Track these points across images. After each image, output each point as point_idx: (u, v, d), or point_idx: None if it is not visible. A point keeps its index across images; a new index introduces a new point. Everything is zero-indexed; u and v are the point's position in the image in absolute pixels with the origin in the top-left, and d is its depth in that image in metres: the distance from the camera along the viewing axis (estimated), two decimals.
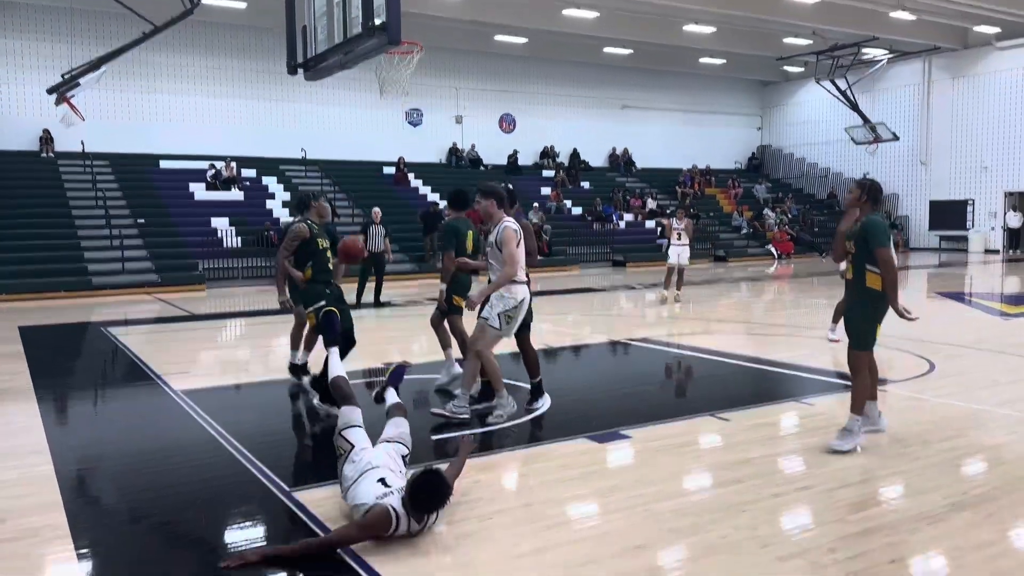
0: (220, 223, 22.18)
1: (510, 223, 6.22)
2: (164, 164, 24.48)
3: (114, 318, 13.99)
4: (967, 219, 30.03)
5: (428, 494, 3.95)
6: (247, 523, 4.46)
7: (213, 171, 24.07)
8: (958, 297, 15.51)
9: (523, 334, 6.71)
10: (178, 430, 6.42)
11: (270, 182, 25.16)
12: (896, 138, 29.92)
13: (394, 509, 3.93)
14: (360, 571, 3.71)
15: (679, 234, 14.91)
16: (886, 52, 29.68)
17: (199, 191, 23.65)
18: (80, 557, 3.93)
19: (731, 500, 4.54)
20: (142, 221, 21.44)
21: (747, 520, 4.24)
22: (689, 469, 5.18)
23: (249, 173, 25.11)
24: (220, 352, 11.06)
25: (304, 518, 4.37)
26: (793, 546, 3.91)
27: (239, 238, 21.74)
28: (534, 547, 3.94)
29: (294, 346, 8.03)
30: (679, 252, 14.80)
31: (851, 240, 5.41)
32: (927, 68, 30.86)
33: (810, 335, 10.88)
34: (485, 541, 4.06)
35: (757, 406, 6.82)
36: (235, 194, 23.97)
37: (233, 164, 24.58)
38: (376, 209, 16.03)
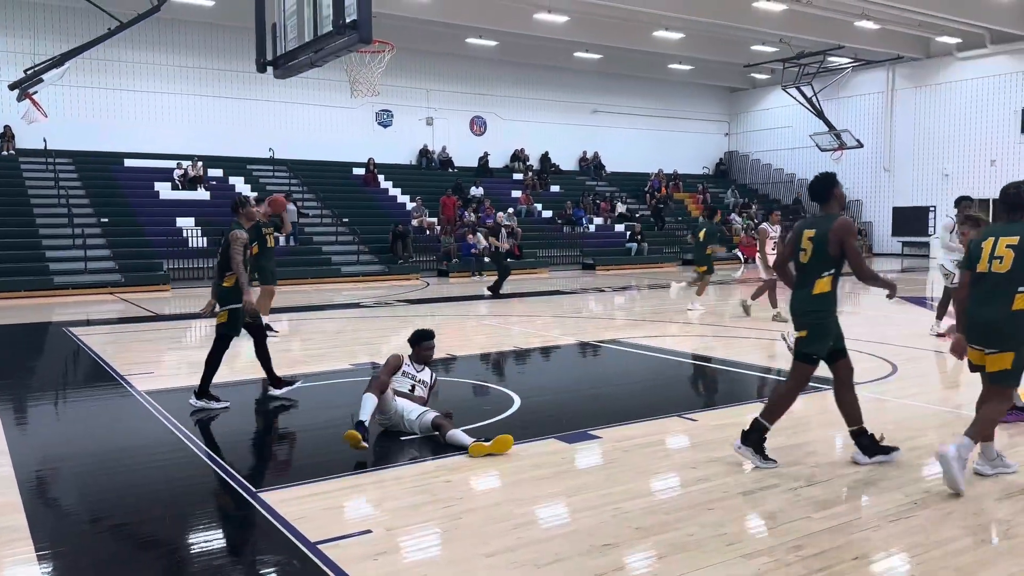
0: (186, 223, 21.89)
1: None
2: (129, 163, 24.10)
3: (76, 318, 13.73)
4: (929, 225, 30.63)
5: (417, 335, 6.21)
6: (212, 524, 4.41)
7: (181, 171, 23.74)
8: (920, 302, 15.79)
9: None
10: (142, 431, 6.32)
11: (237, 182, 24.87)
12: (860, 145, 30.46)
13: (402, 355, 6.07)
14: (330, 573, 3.68)
15: (774, 244, 12.76)
16: (851, 60, 30.21)
17: (164, 190, 23.32)
18: (40, 559, 3.85)
19: (698, 499, 4.59)
20: (106, 220, 21.08)
21: (714, 518, 4.28)
22: (657, 469, 5.22)
23: (216, 173, 24.81)
24: (185, 353, 10.90)
25: (270, 518, 4.33)
26: (759, 544, 3.96)
27: (205, 238, 21.46)
28: (504, 546, 3.94)
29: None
30: None
31: None
32: (891, 77, 31.46)
33: (776, 337, 11.01)
34: (455, 540, 4.05)
35: (724, 407, 6.90)
36: (201, 194, 23.67)
37: (199, 163, 24.28)
38: (501, 214, 16.83)
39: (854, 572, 3.65)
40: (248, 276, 7.30)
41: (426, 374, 6.29)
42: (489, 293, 16.96)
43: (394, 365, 6.15)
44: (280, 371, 8.82)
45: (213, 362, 6.92)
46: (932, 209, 30.49)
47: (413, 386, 6.13)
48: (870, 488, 4.78)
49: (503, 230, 17.01)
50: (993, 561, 3.76)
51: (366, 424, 5.51)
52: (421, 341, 6.35)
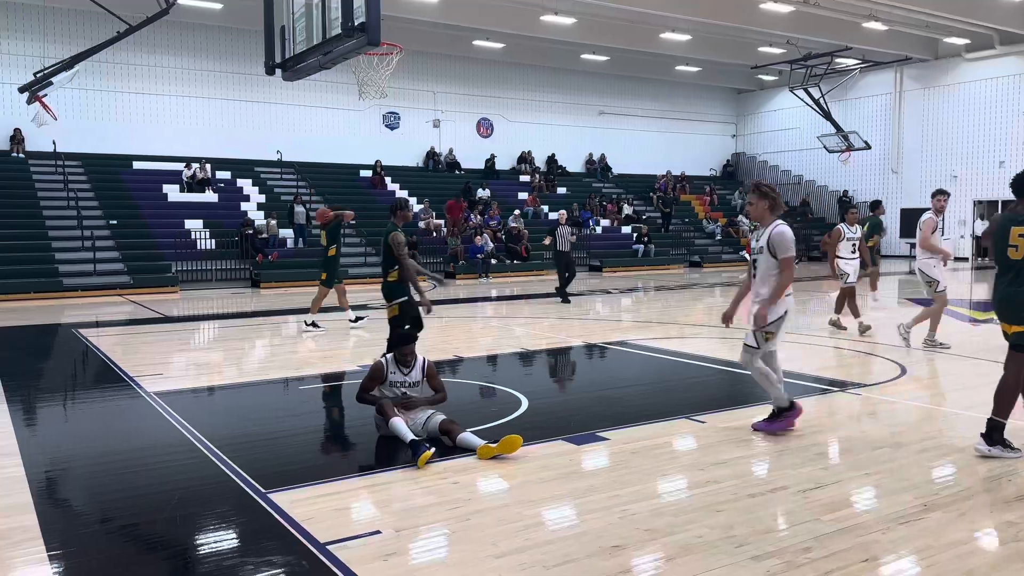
0: (194, 225, 21.98)
1: (784, 226, 5.79)
2: (137, 165, 24.21)
3: (85, 320, 13.79)
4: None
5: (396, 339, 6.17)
6: (221, 524, 4.42)
7: (190, 172, 23.84)
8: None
9: None
10: (151, 432, 6.35)
11: (245, 184, 24.97)
12: (868, 147, 30.36)
13: (383, 362, 6.05)
14: (339, 574, 3.68)
15: (854, 245, 11.56)
16: (859, 62, 30.13)
17: (173, 192, 23.42)
18: (52, 559, 3.87)
19: (707, 500, 4.58)
20: (114, 222, 21.19)
21: (723, 520, 4.27)
22: (665, 470, 5.21)
23: (224, 175, 24.90)
24: (194, 354, 10.95)
25: (279, 519, 4.34)
26: (768, 546, 3.95)
27: (213, 240, 21.54)
28: (512, 547, 3.94)
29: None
30: (855, 267, 11.51)
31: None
32: (899, 78, 31.37)
33: (783, 339, 10.98)
34: (463, 541, 4.06)
35: (732, 408, 6.88)
36: (209, 196, 23.76)
37: (207, 166, 24.37)
38: (563, 211, 16.75)
39: (864, 574, 3.63)
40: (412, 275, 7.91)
41: (415, 374, 6.10)
42: (560, 299, 15.90)
43: (378, 376, 6.04)
44: (287, 372, 8.86)
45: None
46: None
47: (404, 393, 5.99)
48: (880, 490, 4.76)
49: (564, 228, 16.00)
50: (1003, 564, 3.74)
51: (417, 439, 5.44)
52: (398, 345, 6.14)
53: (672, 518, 4.32)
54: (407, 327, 7.33)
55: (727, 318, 6.20)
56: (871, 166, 32.25)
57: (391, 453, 5.66)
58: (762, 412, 6.81)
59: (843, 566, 3.70)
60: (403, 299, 7.69)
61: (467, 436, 5.56)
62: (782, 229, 5.76)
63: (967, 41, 27.91)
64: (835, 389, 7.58)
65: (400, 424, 5.60)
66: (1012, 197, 5.33)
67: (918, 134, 30.90)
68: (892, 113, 31.72)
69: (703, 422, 6.36)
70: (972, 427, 6.31)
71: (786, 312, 5.81)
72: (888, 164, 31.96)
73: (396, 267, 7.71)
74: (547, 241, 16.70)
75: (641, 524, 4.23)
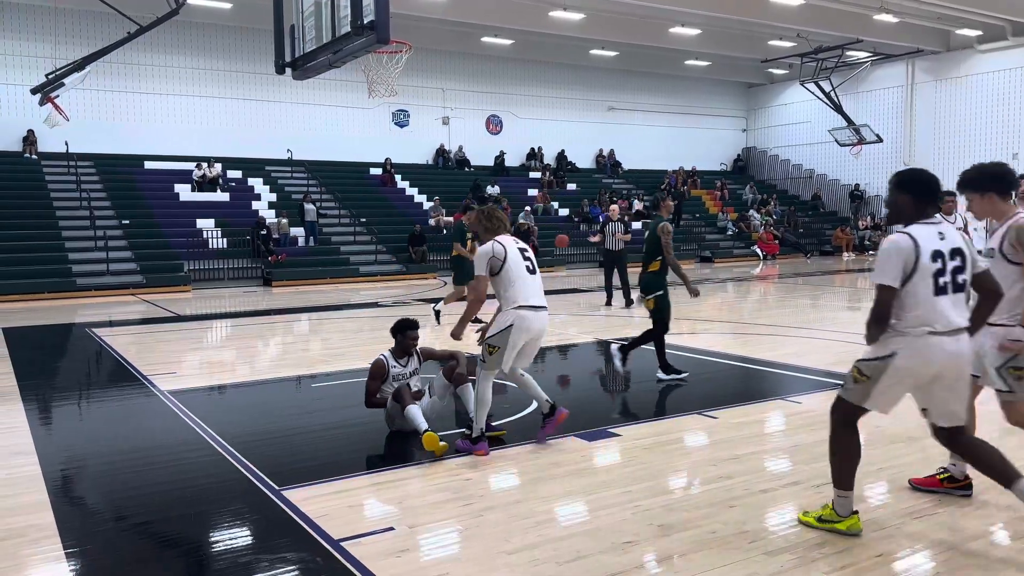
0: (206, 224, 22.09)
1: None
2: (149, 165, 24.33)
3: (99, 319, 13.89)
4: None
5: (400, 323, 6.17)
6: (235, 522, 4.45)
7: (201, 172, 23.95)
8: None
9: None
10: (165, 430, 6.39)
11: (256, 183, 25.06)
12: (880, 140, 30.16)
13: (384, 358, 6.13)
14: (353, 570, 3.71)
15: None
16: (870, 54, 29.93)
17: (184, 192, 23.53)
18: (68, 557, 3.91)
19: (720, 496, 4.58)
20: (127, 222, 21.31)
21: (736, 516, 4.27)
22: (678, 466, 5.21)
23: (235, 174, 25.00)
24: (207, 353, 11.01)
25: (293, 516, 4.36)
26: (782, 541, 3.95)
27: (224, 239, 21.64)
28: (525, 543, 3.95)
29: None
30: None
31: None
32: (910, 70, 31.13)
33: (796, 334, 10.96)
34: (476, 537, 4.07)
35: (744, 404, 6.87)
36: (220, 195, 23.86)
37: (218, 165, 24.47)
38: (614, 207, 16.07)
39: (877, 569, 3.63)
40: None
41: (413, 362, 6.20)
42: (628, 302, 14.57)
43: (379, 375, 6.10)
44: (300, 370, 8.91)
45: (659, 343, 7.89)
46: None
47: (409, 385, 6.05)
48: (892, 485, 4.75)
49: (616, 225, 14.56)
50: (1017, 558, 3.72)
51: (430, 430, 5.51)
52: (405, 330, 6.17)
53: (685, 514, 4.32)
54: (655, 323, 7.82)
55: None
56: (883, 159, 32.03)
57: (404, 450, 5.68)
58: (773, 408, 6.80)
59: (856, 561, 3.69)
60: (660, 293, 7.79)
61: (467, 392, 5.82)
62: None
63: (979, 32, 27.67)
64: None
65: (416, 413, 5.64)
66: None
67: (930, 127, 30.67)
68: (904, 106, 31.49)
69: (715, 418, 6.35)
70: (985, 421, 6.27)
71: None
72: (900, 157, 31.73)
73: (658, 258, 7.76)
74: (596, 239, 15.62)
75: (654, 520, 4.23)
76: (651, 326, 7.95)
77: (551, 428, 5.67)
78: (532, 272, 5.49)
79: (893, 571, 3.64)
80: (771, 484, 4.78)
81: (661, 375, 7.89)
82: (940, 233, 3.81)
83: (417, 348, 6.26)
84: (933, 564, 3.70)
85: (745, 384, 8.14)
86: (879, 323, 3.78)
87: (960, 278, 3.78)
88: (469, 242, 11.90)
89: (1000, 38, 27.54)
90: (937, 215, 4.36)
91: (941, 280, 3.72)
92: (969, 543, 3.89)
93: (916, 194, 3.89)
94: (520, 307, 5.34)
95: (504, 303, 5.40)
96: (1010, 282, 4.10)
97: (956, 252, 3.78)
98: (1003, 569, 3.62)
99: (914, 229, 3.78)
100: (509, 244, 5.45)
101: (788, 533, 4.05)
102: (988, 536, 3.99)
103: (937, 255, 3.73)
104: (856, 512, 4.02)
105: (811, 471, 4.98)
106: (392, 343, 6.28)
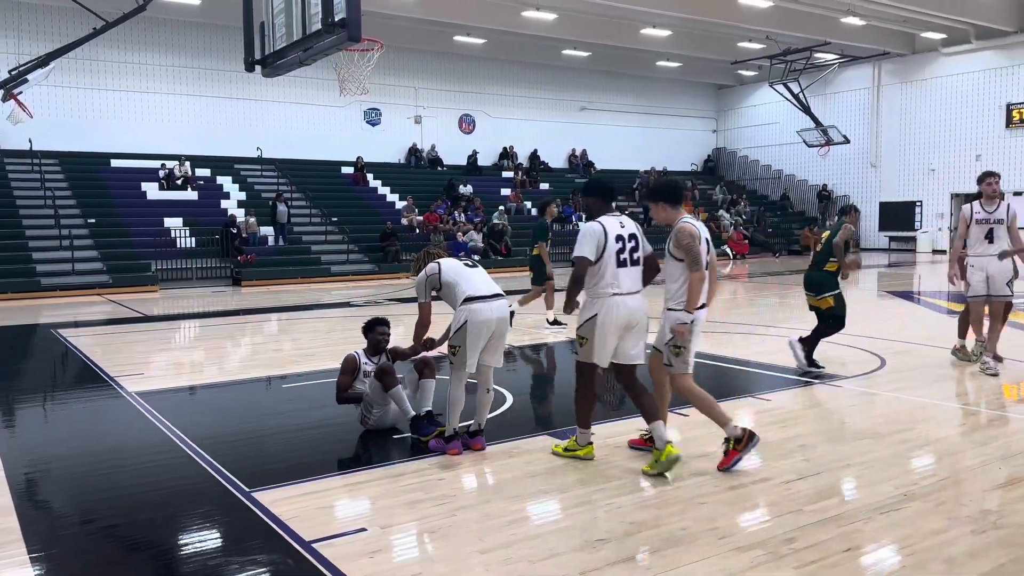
0: (173, 223, 21.81)
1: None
2: (115, 163, 23.97)
3: (64, 320, 13.65)
4: (915, 220, 30.83)
5: (370, 321, 6.22)
6: (205, 524, 4.40)
7: (167, 171, 23.62)
8: (907, 296, 15.93)
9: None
10: (133, 432, 6.30)
11: (225, 181, 24.79)
12: (847, 141, 30.62)
13: (356, 354, 6.18)
14: (325, 572, 3.68)
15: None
16: (837, 57, 30.35)
17: (152, 191, 23.20)
18: (33, 561, 3.84)
19: (691, 493, 4.61)
20: (92, 221, 20.97)
21: (707, 512, 4.31)
22: (740, 461, 5.17)
23: (203, 172, 24.70)
24: (175, 354, 10.87)
25: (264, 518, 4.32)
26: (752, 537, 3.99)
27: (193, 239, 21.38)
28: (498, 543, 3.95)
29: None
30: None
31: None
32: (877, 73, 31.63)
33: (765, 332, 11.08)
34: (449, 537, 4.07)
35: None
36: (189, 194, 23.57)
37: (187, 163, 24.17)
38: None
39: (846, 564, 3.68)
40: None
41: (383, 360, 6.18)
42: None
43: (351, 370, 6.13)
44: (270, 371, 8.84)
45: (821, 335, 8.10)
46: (919, 204, 30.69)
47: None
48: (860, 481, 4.82)
49: None
50: (983, 551, 3.80)
51: (418, 416, 5.73)
52: (375, 326, 6.19)
53: (656, 511, 4.35)
54: (830, 322, 8.04)
55: None
56: (850, 160, 32.51)
57: (376, 450, 5.66)
58: (743, 406, 6.87)
59: (825, 556, 3.74)
60: (836, 292, 8.02)
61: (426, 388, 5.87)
62: None
63: (943, 36, 28.19)
64: (816, 381, 7.65)
65: (403, 395, 5.75)
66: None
67: (896, 128, 31.18)
68: (870, 107, 31.98)
69: (686, 415, 6.40)
70: (950, 417, 6.40)
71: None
72: (867, 158, 32.23)
73: (833, 259, 8.00)
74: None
75: (626, 517, 4.26)
76: (819, 325, 8.17)
77: (457, 448, 5.40)
78: (472, 267, 5.58)
79: (861, 565, 3.70)
80: (741, 480, 4.83)
81: (809, 367, 8.06)
82: (621, 223, 5.13)
83: (388, 348, 6.24)
84: (900, 558, 3.76)
85: (716, 382, 8.20)
86: (576, 285, 5.06)
87: (636, 255, 5.10)
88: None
89: (964, 41, 28.08)
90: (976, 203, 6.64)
91: (622, 256, 5.02)
92: (936, 536, 3.96)
93: (599, 196, 5.27)
94: (469, 299, 5.30)
95: (455, 305, 5.40)
96: (677, 274, 5.10)
97: (632, 236, 5.09)
98: (968, 562, 3.69)
99: (603, 219, 5.08)
100: (441, 259, 5.56)
101: (758, 529, 4.10)
102: (955, 530, 4.06)
103: (619, 238, 5.03)
104: (591, 443, 5.31)
105: (780, 467, 5.04)
106: (365, 344, 6.26)
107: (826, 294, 8.06)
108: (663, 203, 5.12)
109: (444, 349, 5.55)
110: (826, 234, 8.30)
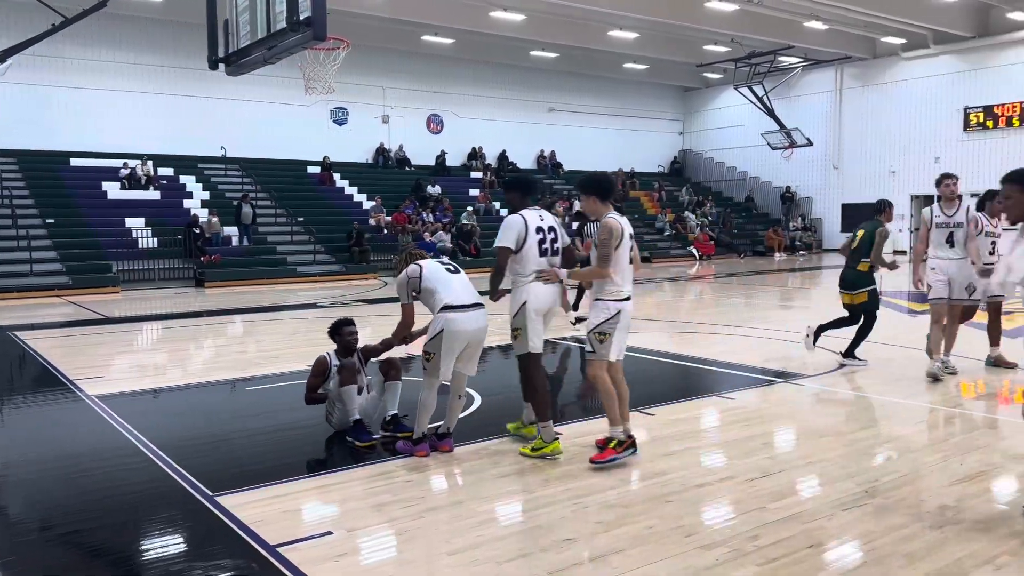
0: (135, 223, 21.44)
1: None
2: (75, 162, 23.50)
3: (22, 321, 13.35)
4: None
5: (335, 323, 6.17)
6: (168, 529, 4.33)
7: (127, 171, 23.21)
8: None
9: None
10: (93, 436, 6.18)
11: (188, 181, 24.44)
12: (810, 143, 31.10)
13: (328, 355, 6.09)
14: (289, 575, 3.64)
15: (993, 243, 8.09)
16: (801, 60, 30.81)
17: (112, 190, 22.79)
18: None
19: (656, 492, 4.65)
20: (51, 221, 20.54)
21: (672, 511, 4.34)
22: (616, 463, 5.26)
23: (166, 171, 24.33)
24: (137, 356, 10.69)
25: (228, 522, 4.27)
26: (716, 534, 4.03)
27: (155, 239, 21.04)
28: (466, 544, 3.95)
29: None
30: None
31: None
32: (839, 76, 32.16)
33: (729, 332, 11.20)
34: (417, 539, 4.05)
35: (680, 401, 6.99)
36: (151, 193, 23.20)
37: (149, 162, 23.78)
38: (559, 207, 15.39)
39: (809, 560, 3.73)
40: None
41: (355, 362, 6.13)
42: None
43: (322, 371, 6.07)
44: (234, 373, 8.74)
45: (863, 333, 8.31)
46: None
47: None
48: (823, 478, 4.89)
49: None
50: (941, 546, 3.87)
51: (361, 420, 5.77)
52: (341, 328, 6.11)
53: (623, 510, 4.37)
54: (862, 314, 8.29)
55: None
56: (813, 162, 33.01)
57: (343, 453, 5.61)
58: (709, 405, 6.94)
59: (789, 552, 3.79)
60: (872, 287, 8.30)
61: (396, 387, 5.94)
62: None
63: (903, 40, 28.76)
64: (779, 380, 7.75)
65: (353, 394, 5.76)
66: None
67: (858, 131, 31.73)
68: (833, 111, 32.51)
69: (652, 415, 6.45)
70: (911, 415, 6.52)
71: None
72: (830, 160, 32.75)
73: (865, 259, 8.20)
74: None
75: (592, 517, 4.27)
76: (853, 320, 8.37)
77: (425, 450, 5.37)
78: (454, 272, 5.49)
79: (824, 561, 3.76)
80: (706, 479, 4.87)
81: (842, 360, 8.35)
82: (540, 216, 5.46)
83: (359, 348, 6.20)
84: (861, 554, 3.83)
85: (682, 381, 8.28)
86: (498, 273, 5.44)
87: (556, 246, 5.45)
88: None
89: (923, 46, 28.66)
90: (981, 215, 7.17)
91: (543, 246, 5.37)
92: (896, 532, 4.03)
93: (519, 191, 5.56)
94: (447, 307, 5.24)
95: (433, 311, 5.35)
96: None
97: (551, 228, 5.44)
98: (927, 555, 3.76)
99: (524, 212, 5.42)
100: (423, 262, 5.50)
101: (723, 527, 4.14)
102: (914, 525, 4.13)
103: (539, 229, 5.37)
104: (557, 438, 5.40)
105: (745, 465, 5.10)
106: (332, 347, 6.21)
107: (861, 289, 8.26)
108: (594, 196, 5.25)
109: (420, 347, 5.51)
110: (860, 233, 8.34)
